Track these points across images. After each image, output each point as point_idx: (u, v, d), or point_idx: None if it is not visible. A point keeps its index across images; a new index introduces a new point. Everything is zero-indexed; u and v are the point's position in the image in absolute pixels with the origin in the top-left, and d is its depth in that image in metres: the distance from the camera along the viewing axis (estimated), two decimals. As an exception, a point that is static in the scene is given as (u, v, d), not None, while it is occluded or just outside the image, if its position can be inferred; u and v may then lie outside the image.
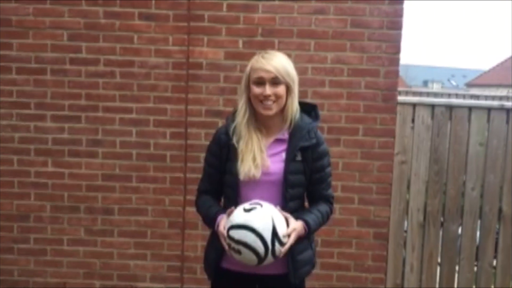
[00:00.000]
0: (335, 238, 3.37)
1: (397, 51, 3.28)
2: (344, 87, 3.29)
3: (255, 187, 1.96)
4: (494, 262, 3.37)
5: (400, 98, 3.31)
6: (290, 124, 1.98)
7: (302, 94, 3.20)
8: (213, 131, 3.30)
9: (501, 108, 3.27)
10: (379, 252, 3.36)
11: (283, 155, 1.97)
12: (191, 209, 3.33)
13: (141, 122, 3.35)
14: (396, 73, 3.29)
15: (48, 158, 3.38)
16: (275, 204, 1.91)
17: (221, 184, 2.07)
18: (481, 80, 44.82)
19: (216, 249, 2.00)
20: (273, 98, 1.91)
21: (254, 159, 1.92)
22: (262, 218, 1.79)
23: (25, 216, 3.41)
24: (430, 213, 3.34)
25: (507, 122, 3.27)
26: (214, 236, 2.01)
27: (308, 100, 3.10)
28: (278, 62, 1.92)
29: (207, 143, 3.31)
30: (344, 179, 3.34)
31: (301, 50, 3.27)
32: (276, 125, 1.99)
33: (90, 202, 3.40)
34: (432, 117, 3.30)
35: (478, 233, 3.36)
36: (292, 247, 1.88)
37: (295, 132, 1.97)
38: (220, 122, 3.29)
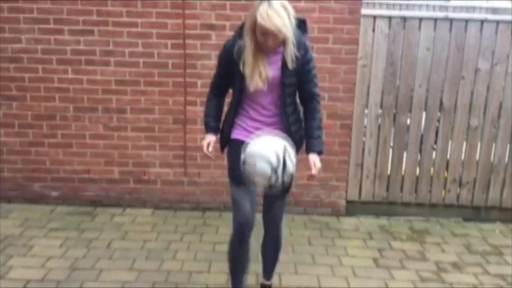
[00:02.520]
0: (309, 129, 4.13)
1: (361, -31, 3.85)
2: (317, 2, 3.88)
3: (260, 90, 2.47)
4: (435, 145, 4.21)
5: (363, 11, 3.92)
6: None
7: (281, 8, 3.83)
8: (207, 41, 4.01)
9: (446, 19, 3.94)
10: (344, 140, 4.15)
11: (280, 63, 2.44)
12: (191, 108, 4.06)
13: (146, 35, 3.94)
14: (360, -11, 3.89)
15: (68, 66, 3.99)
16: (277, 100, 2.50)
17: (230, 81, 2.56)
18: (461, -10, 44.49)
19: (228, 123, 2.62)
20: (274, 45, 2.36)
21: (260, 75, 2.41)
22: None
23: (52, 115, 4.08)
24: (385, 107, 4.11)
25: (450, 30, 3.94)
26: (226, 115, 2.65)
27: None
28: (278, 21, 2.25)
29: (203, 52, 4.03)
30: (316, 80, 4.03)
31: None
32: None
33: (106, 103, 4.06)
34: (389, 27, 3.95)
35: (423, 122, 4.16)
36: (291, 128, 2.54)
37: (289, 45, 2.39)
38: (213, 34, 3.93)
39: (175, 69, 4.00)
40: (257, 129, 2.54)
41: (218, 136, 2.68)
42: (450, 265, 3.49)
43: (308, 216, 4.23)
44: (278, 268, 3.04)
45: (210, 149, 2.62)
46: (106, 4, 3.87)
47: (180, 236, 3.78)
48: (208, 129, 2.65)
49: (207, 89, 3.99)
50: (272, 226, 2.77)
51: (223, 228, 3.93)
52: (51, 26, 3.90)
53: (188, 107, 4.06)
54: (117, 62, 3.98)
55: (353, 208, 4.30)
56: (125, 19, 3.90)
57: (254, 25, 2.32)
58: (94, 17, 3.89)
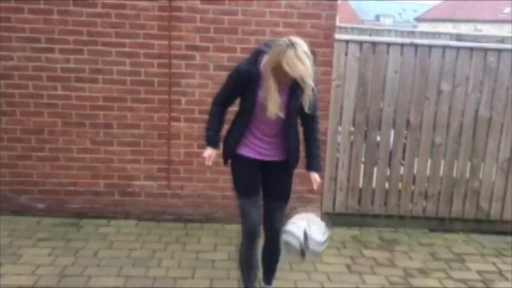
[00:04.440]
0: (286, 144, 4.40)
1: (336, -2, 4.20)
2: (294, 27, 4.18)
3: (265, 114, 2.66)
4: (403, 161, 4.53)
5: (337, 36, 4.25)
6: None
7: (261, 32, 4.14)
8: (192, 62, 4.24)
9: (411, 44, 4.30)
10: (319, 155, 4.43)
11: (288, 89, 2.65)
12: (176, 124, 4.29)
13: (133, 55, 4.16)
14: (334, 16, 4.22)
15: (58, 83, 4.17)
16: (283, 122, 2.73)
17: (235, 100, 2.79)
18: (429, 15, 46.35)
19: (234, 139, 2.80)
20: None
21: (277, 103, 2.60)
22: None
23: (40, 130, 4.23)
24: (357, 125, 4.41)
25: (415, 55, 4.30)
26: (232, 130, 2.84)
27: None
28: (302, 70, 2.47)
29: (188, 71, 4.27)
30: (293, 99, 4.31)
31: (261, -3, 4.12)
32: None
33: (94, 118, 4.25)
34: (360, 51, 4.29)
35: (391, 139, 4.48)
36: (290, 146, 2.80)
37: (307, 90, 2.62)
38: (197, 55, 4.18)
39: (160, 87, 4.22)
40: (261, 147, 2.80)
41: (220, 149, 2.87)
42: (416, 270, 3.78)
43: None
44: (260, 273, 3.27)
45: (211, 162, 2.82)
46: (95, 25, 4.09)
47: (164, 246, 3.96)
48: (210, 143, 2.84)
49: (191, 106, 4.32)
50: (274, 237, 2.95)
51: (205, 238, 4.14)
52: (43, 45, 4.09)
53: (173, 123, 4.28)
54: (105, 80, 4.18)
55: (328, 219, 4.55)
56: (114, 39, 4.12)
57: (279, 67, 2.49)
58: (84, 37, 4.10)
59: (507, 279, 3.71)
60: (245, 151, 2.83)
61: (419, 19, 46.38)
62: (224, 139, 2.89)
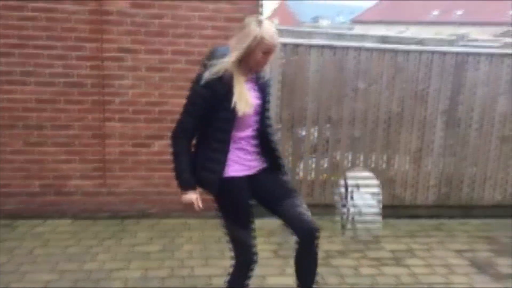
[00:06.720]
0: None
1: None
2: (221, 30, 4.42)
3: (245, 118, 2.44)
4: (326, 154, 4.90)
5: (262, 38, 4.55)
6: None
7: (190, 35, 4.36)
8: (123, 63, 4.40)
9: (331, 46, 4.68)
10: (249, 150, 4.71)
11: (256, 89, 2.51)
12: (110, 124, 4.43)
13: (66, 57, 4.28)
14: (259, 20, 4.51)
15: (-12, 86, 4.22)
16: (260, 126, 2.55)
17: (200, 126, 2.47)
18: (364, 17, 48.15)
19: (219, 162, 2.46)
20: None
21: (247, 100, 2.39)
22: None
23: (-29, 133, 4.27)
24: (284, 121, 4.74)
25: (334, 55, 4.69)
26: (208, 153, 2.48)
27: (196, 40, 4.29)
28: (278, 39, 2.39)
29: (120, 73, 4.42)
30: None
31: (189, 1, 4.34)
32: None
33: (26, 120, 4.32)
34: (284, 52, 4.61)
35: (316, 134, 4.84)
36: (276, 149, 2.65)
37: (258, 73, 2.52)
38: (130, 57, 4.35)
39: (93, 88, 4.36)
40: (249, 159, 2.56)
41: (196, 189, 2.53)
42: (336, 252, 4.14)
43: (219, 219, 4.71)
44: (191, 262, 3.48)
45: (201, 204, 2.52)
46: (27, 29, 4.17)
47: (100, 241, 4.10)
48: (190, 187, 2.48)
49: (124, 106, 4.47)
50: (311, 235, 2.73)
51: (141, 232, 4.32)
52: (-29, 48, 4.13)
53: (107, 123, 4.42)
54: (37, 82, 4.27)
55: (260, 211, 4.83)
56: (45, 42, 4.22)
57: (256, 45, 2.32)
58: (15, 40, 4.17)
59: (416, 256, 4.15)
60: (236, 170, 2.51)
61: (354, 21, 48.06)
62: (201, 168, 2.50)
